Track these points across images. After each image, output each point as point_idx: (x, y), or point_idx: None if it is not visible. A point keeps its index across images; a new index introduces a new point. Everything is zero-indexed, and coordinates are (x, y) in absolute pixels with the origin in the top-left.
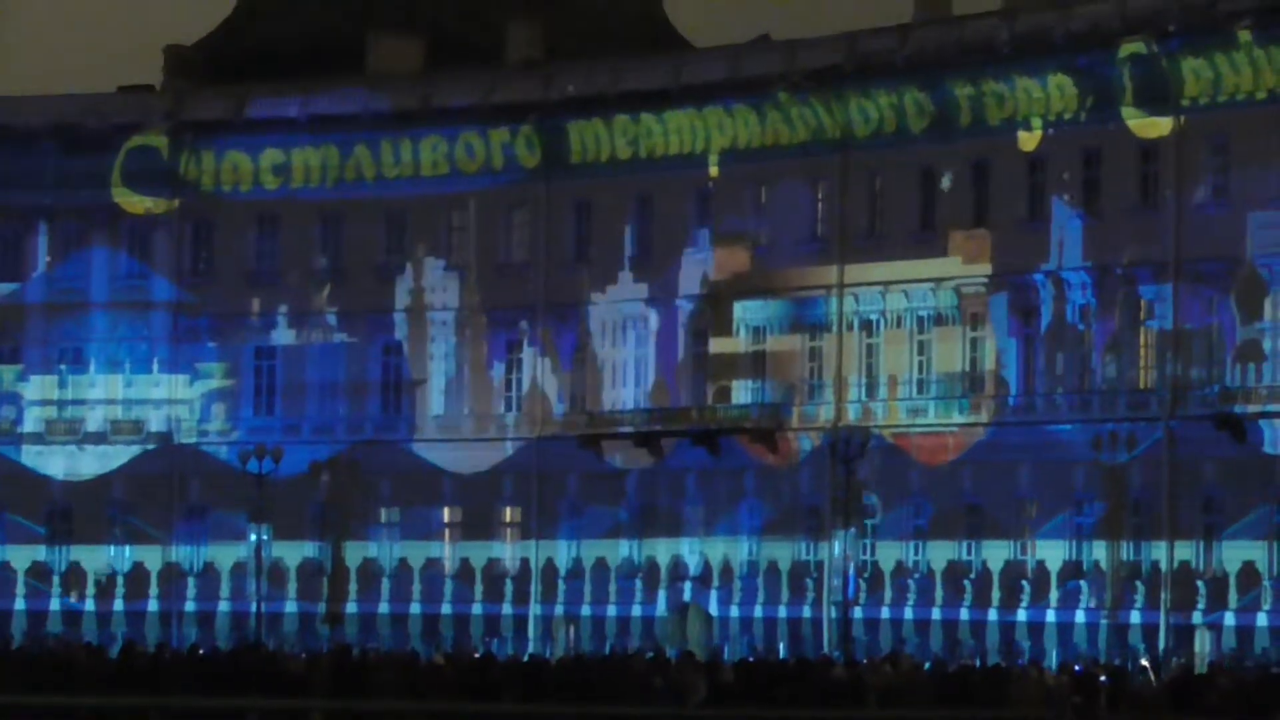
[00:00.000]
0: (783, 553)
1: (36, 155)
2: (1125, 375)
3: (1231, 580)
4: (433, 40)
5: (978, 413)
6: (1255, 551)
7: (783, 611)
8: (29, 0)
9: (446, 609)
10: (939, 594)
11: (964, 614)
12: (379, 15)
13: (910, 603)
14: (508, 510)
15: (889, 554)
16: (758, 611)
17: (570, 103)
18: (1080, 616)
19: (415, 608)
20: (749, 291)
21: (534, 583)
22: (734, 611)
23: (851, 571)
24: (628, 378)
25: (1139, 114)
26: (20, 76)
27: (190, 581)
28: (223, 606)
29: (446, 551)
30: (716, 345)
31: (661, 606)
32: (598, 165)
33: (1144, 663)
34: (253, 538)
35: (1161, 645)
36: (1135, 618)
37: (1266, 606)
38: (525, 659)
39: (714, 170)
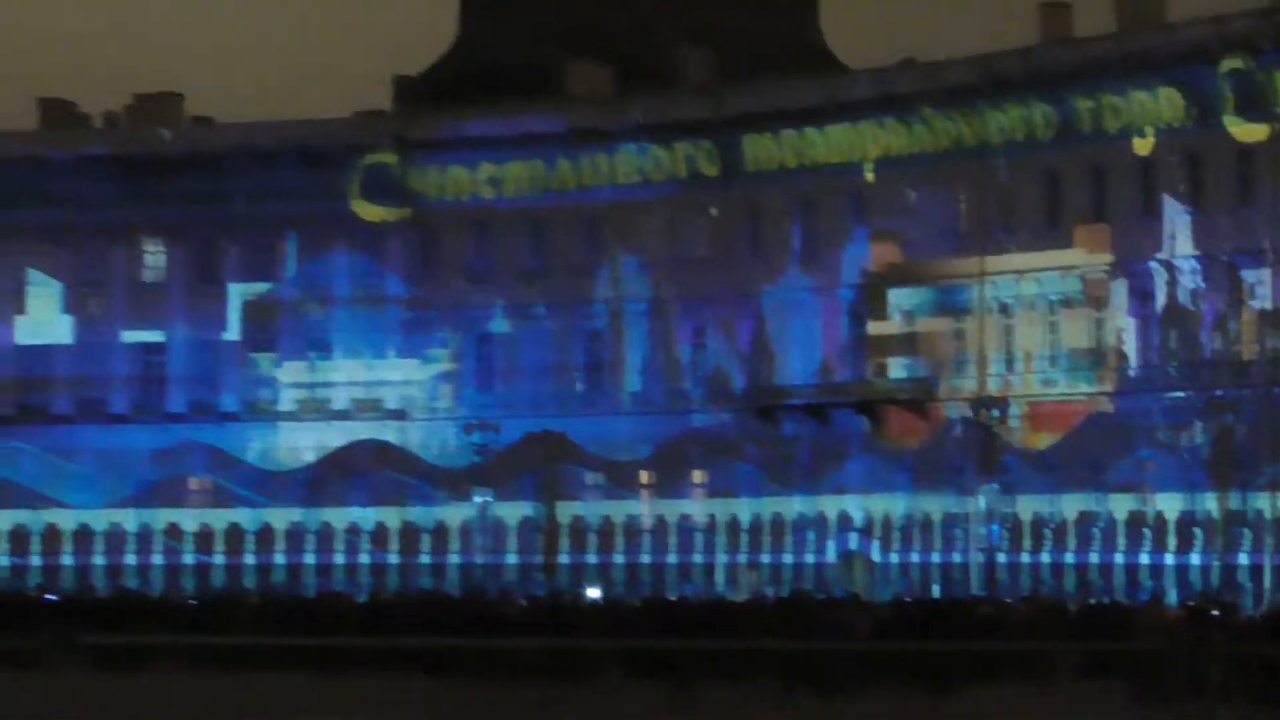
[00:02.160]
0: (934, 506)
1: (284, 173)
2: (1230, 349)
3: None
4: (621, 66)
5: (1102, 383)
6: None
7: (935, 558)
8: (271, 38)
9: (645, 559)
10: (1071, 541)
11: (1093, 558)
12: (575, 45)
13: (1046, 549)
14: (696, 473)
15: (1027, 506)
16: (913, 558)
17: (742, 119)
18: (1195, 559)
19: (619, 558)
20: (901, 280)
21: (720, 535)
22: (893, 558)
23: (995, 523)
24: (797, 357)
25: (1239, 121)
26: (269, 105)
27: (424, 538)
28: (452, 559)
29: (644, 509)
30: (874, 328)
31: (830, 554)
32: (768, 174)
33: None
34: (478, 499)
35: (1267, 583)
36: (1243, 560)
37: None
38: (714, 601)
39: (869, 176)
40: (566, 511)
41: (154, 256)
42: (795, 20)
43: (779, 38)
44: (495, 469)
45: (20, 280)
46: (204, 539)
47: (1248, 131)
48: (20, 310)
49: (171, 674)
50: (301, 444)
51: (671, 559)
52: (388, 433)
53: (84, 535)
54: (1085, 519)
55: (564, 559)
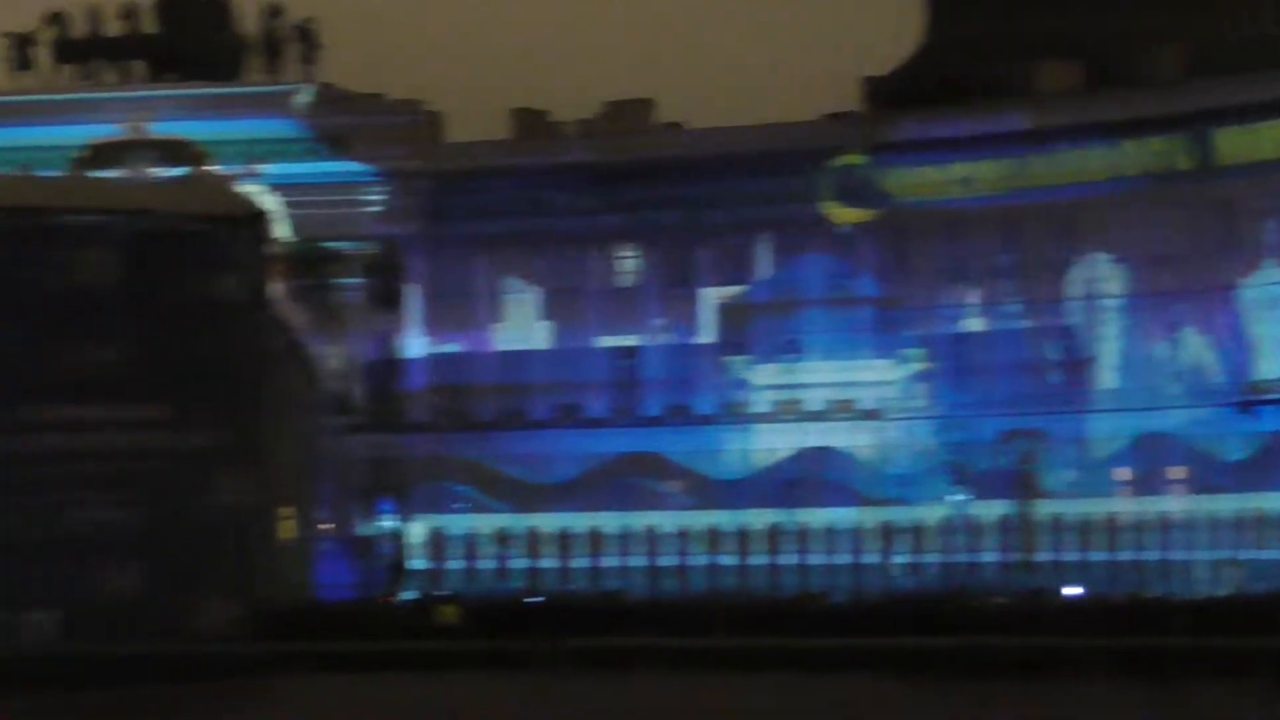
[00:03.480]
0: None
1: (755, 177)
2: None
3: None
4: (1089, 65)
5: None
6: None
7: None
8: (740, 42)
9: (1125, 555)
10: None
11: None
12: (1043, 45)
13: None
14: (1174, 469)
15: None
16: None
17: (1214, 113)
18: None
19: (1098, 555)
20: None
21: (1199, 531)
22: None
23: None
24: (1277, 351)
25: None
26: (738, 110)
27: (902, 537)
28: (930, 558)
29: (1123, 505)
30: None
31: None
32: (1241, 167)
33: None
34: (954, 498)
35: None
36: None
37: None
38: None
39: None
40: (1043, 509)
41: (627, 262)
42: (1262, 15)
43: (1247, 33)
44: (971, 468)
45: (498, 288)
46: (683, 541)
47: None
48: (499, 317)
49: (655, 676)
50: (777, 445)
51: (1151, 556)
52: (862, 433)
53: (566, 539)
54: None
55: (1042, 556)
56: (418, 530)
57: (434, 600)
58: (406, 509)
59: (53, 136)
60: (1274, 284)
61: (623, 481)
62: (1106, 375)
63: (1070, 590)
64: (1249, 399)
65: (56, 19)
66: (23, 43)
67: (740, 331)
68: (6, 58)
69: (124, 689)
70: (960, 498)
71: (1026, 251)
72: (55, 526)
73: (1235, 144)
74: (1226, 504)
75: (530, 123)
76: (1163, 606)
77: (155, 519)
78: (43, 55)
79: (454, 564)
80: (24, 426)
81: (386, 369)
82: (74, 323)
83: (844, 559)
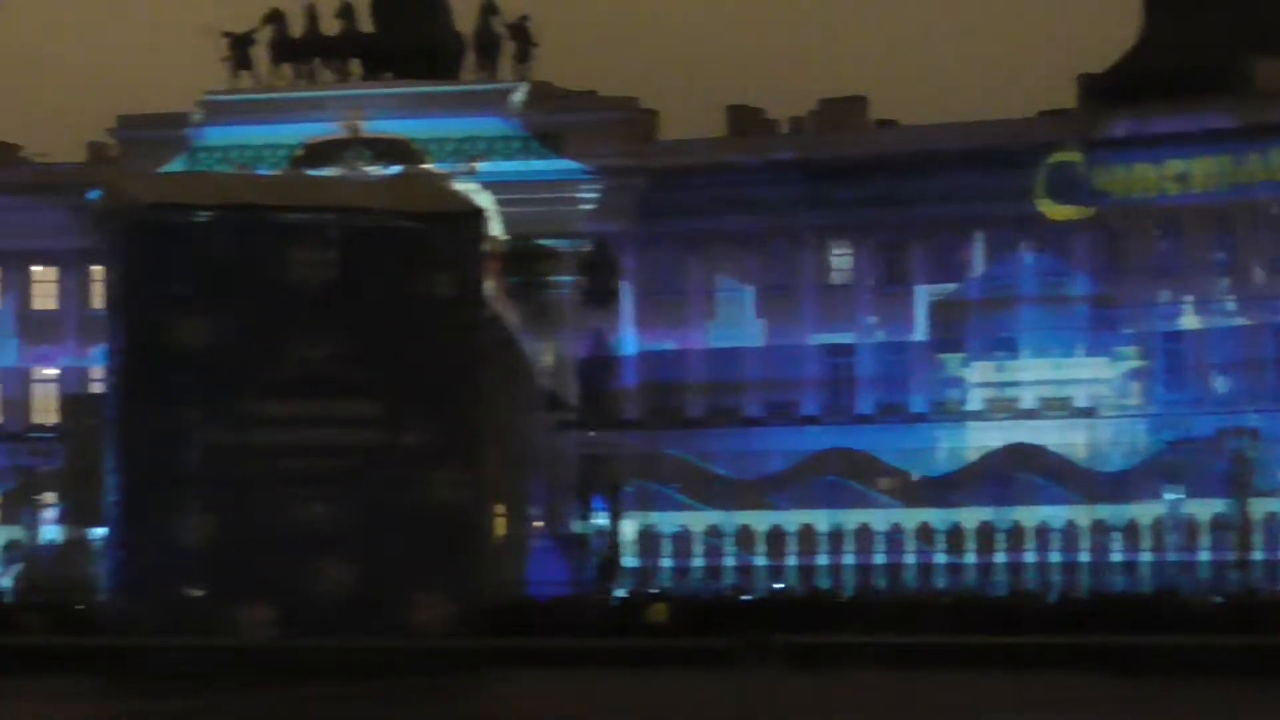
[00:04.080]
0: None
1: (969, 174)
2: None
3: None
4: None
5: None
6: None
7: None
8: (954, 39)
9: None
10: None
11: None
12: (1259, 40)
13: None
14: None
15: None
16: None
17: None
18: None
19: None
20: None
21: None
22: None
23: None
24: None
25: None
26: (952, 106)
27: (1115, 535)
28: (1144, 557)
29: None
30: None
31: None
32: None
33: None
34: (1169, 496)
35: None
36: None
37: None
38: None
39: None
40: (1260, 508)
41: (841, 259)
42: None
43: None
44: (1186, 466)
45: (712, 285)
46: (893, 539)
47: None
48: (712, 315)
49: (865, 673)
50: (990, 443)
51: None
52: (1076, 431)
53: (777, 536)
54: None
55: (1258, 555)
56: (629, 527)
57: (644, 597)
58: (618, 506)
59: (270, 135)
60: None
61: (835, 479)
62: None
63: None
64: None
65: (275, 18)
66: (241, 42)
67: (954, 329)
68: (226, 57)
69: (339, 683)
70: (1174, 496)
71: (1242, 248)
72: (273, 522)
73: None
74: None
75: (744, 120)
76: None
77: (370, 515)
78: (261, 54)
79: (665, 561)
80: (242, 422)
81: (599, 366)
82: (290, 320)
83: (1056, 557)
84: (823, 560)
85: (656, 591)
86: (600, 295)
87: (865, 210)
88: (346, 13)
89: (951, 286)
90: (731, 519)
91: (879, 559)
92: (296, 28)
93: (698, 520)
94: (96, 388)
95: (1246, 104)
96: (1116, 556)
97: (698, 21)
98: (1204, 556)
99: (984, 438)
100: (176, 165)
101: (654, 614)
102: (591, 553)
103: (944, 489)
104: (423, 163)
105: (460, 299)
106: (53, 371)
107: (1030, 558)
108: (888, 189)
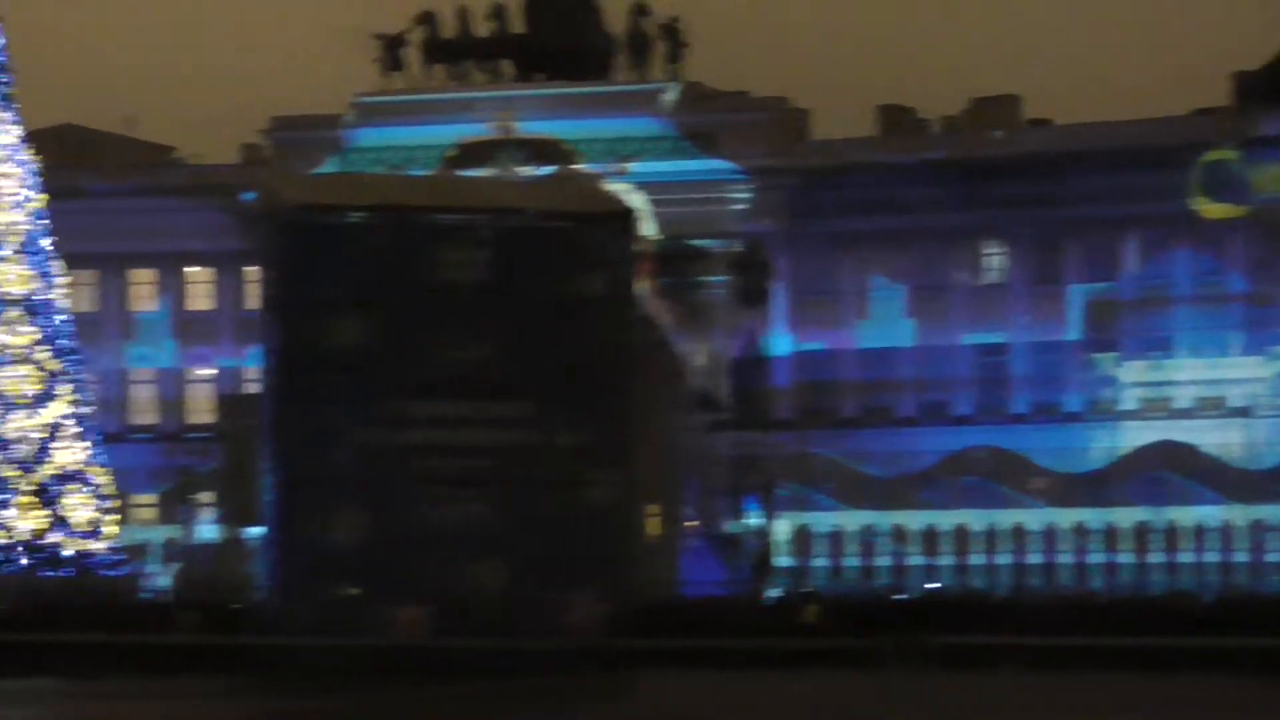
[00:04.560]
0: None
1: (1123, 173)
2: None
3: None
4: None
5: None
6: None
7: None
8: (1107, 37)
9: None
10: None
11: None
12: None
13: None
14: None
15: None
16: None
17: None
18: None
19: None
20: None
21: None
22: None
23: None
24: None
25: None
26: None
27: (1271, 535)
28: None
29: None
30: None
31: None
32: None
33: None
34: None
35: None
36: None
37: None
38: None
39: None
40: None
41: (993, 259)
42: None
43: None
44: None
45: (863, 285)
46: (1047, 538)
47: None
48: (863, 314)
49: (1019, 674)
50: (1143, 442)
51: None
52: (1231, 431)
53: (930, 536)
54: None
55: None
56: (782, 527)
57: (798, 597)
58: (771, 506)
59: (422, 136)
60: None
61: (987, 478)
62: None
63: None
64: None
65: (426, 20)
66: (393, 44)
67: (1107, 328)
68: (378, 59)
69: (491, 683)
70: None
71: None
72: (425, 522)
73: None
74: None
75: (896, 119)
76: None
77: (523, 516)
78: (413, 56)
79: (818, 561)
80: (394, 423)
81: (751, 366)
82: (442, 320)
83: (1212, 557)
84: (977, 560)
85: (807, 591)
86: (752, 295)
87: (1017, 210)
88: (498, 14)
89: (1105, 286)
90: (885, 518)
91: (1033, 559)
92: (448, 29)
93: (851, 520)
94: (251, 388)
95: None
96: (1273, 557)
97: (849, 21)
98: None
99: (1138, 437)
100: (329, 167)
101: (805, 614)
102: (744, 553)
103: (1096, 488)
104: (574, 163)
105: (612, 299)
106: (208, 372)
107: (1186, 558)
108: (1040, 188)
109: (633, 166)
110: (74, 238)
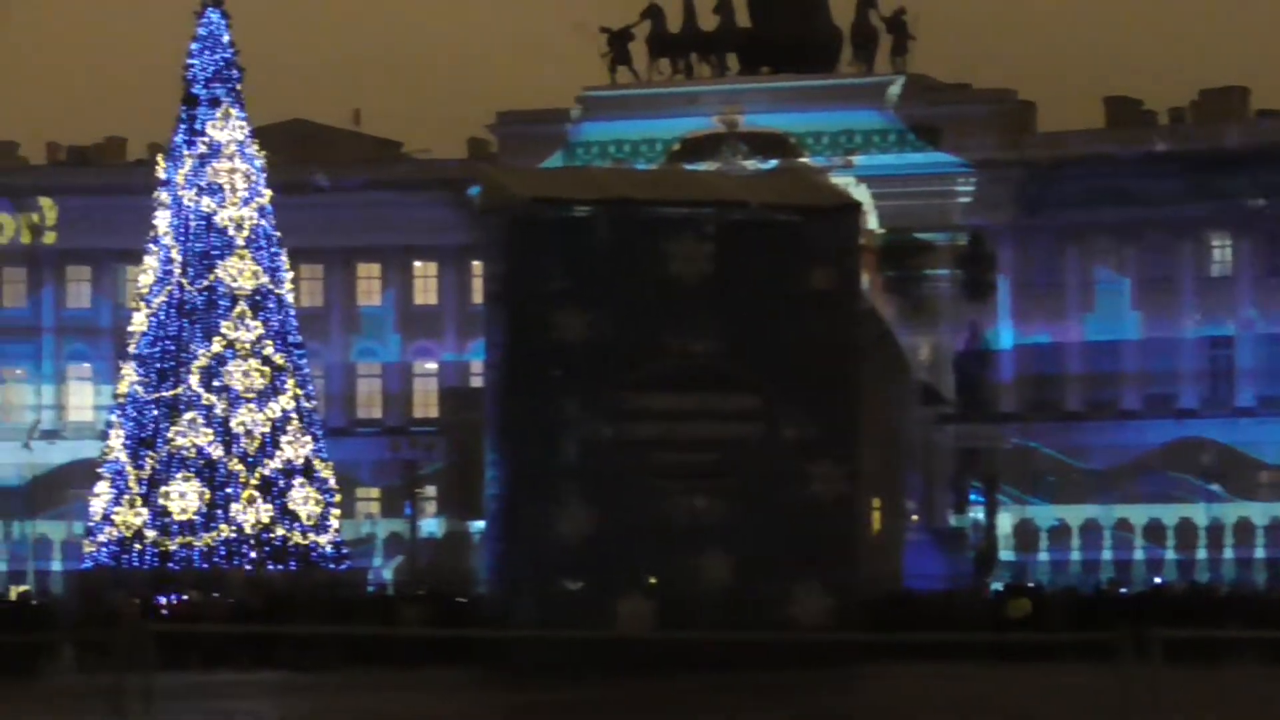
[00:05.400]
0: None
1: None
2: None
3: None
4: None
5: None
6: None
7: None
8: None
9: None
10: None
11: None
12: None
13: None
14: None
15: None
16: None
17: None
18: None
19: None
20: None
21: None
22: None
23: None
24: None
25: None
26: None
27: None
28: None
29: None
30: None
31: None
32: None
33: None
34: None
35: None
36: None
37: None
38: None
39: None
40: None
41: (1221, 251)
42: None
43: None
44: None
45: (1089, 278)
46: (1272, 532)
47: None
48: (1089, 307)
49: (1245, 668)
50: None
51: None
52: None
53: (1155, 529)
54: None
55: None
56: (1006, 520)
57: (1016, 591)
58: (995, 499)
59: (647, 130)
60: None
61: (1211, 472)
62: None
63: None
64: None
65: (652, 14)
66: (619, 38)
67: None
68: (603, 53)
69: (716, 676)
70: None
71: None
72: (651, 515)
73: None
74: None
75: (1123, 111)
76: None
77: (748, 509)
78: (638, 50)
79: (1042, 555)
80: (620, 416)
81: (975, 359)
82: (667, 314)
83: None
84: (1201, 554)
85: (1020, 585)
86: (977, 288)
87: (1246, 201)
88: (724, 7)
89: None
90: (1109, 512)
91: (1259, 553)
92: (674, 23)
93: (1075, 514)
94: (476, 382)
95: None
96: None
97: (1076, 12)
98: None
99: None
100: (554, 161)
101: (1016, 609)
102: (968, 546)
103: None
104: (799, 156)
105: (837, 293)
106: (433, 366)
107: None
108: (1269, 180)
109: (857, 160)
110: (301, 232)
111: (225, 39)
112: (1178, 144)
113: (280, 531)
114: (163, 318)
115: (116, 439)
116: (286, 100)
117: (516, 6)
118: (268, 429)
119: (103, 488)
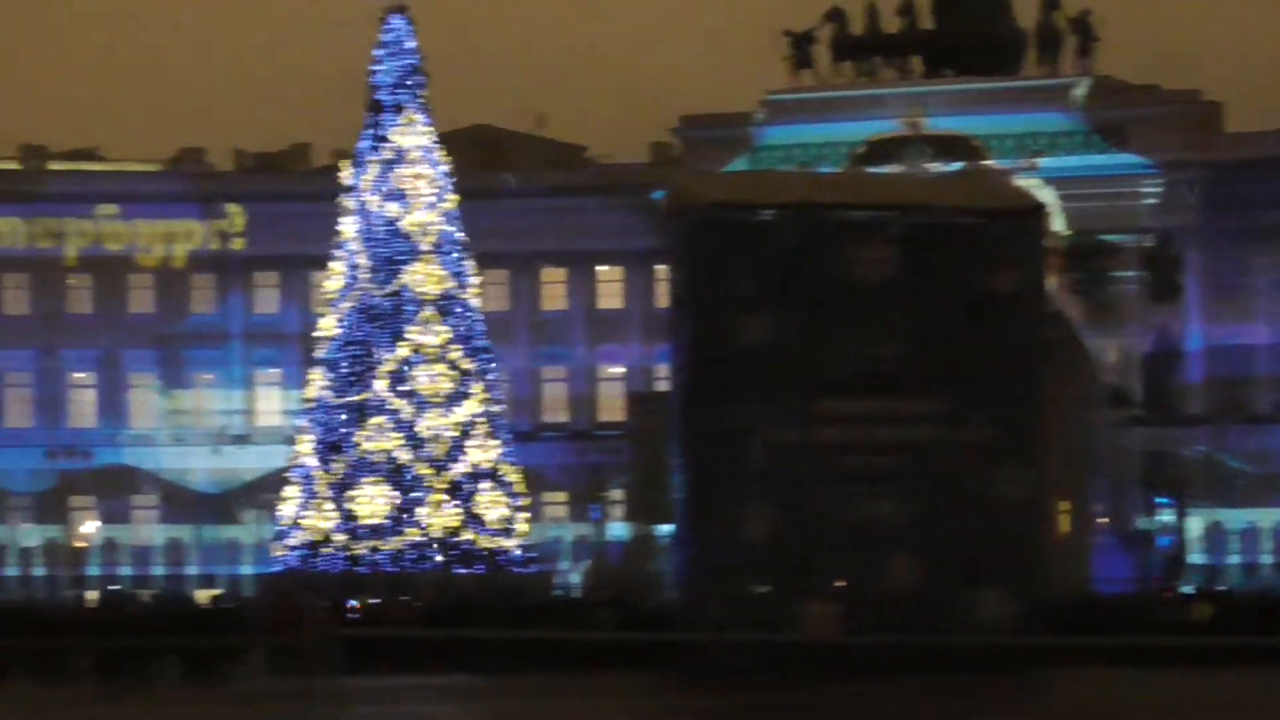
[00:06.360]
0: None
1: None
2: None
3: None
4: None
5: None
6: None
7: None
8: None
9: None
10: None
11: None
12: None
13: None
14: None
15: None
16: None
17: None
18: None
19: None
20: None
21: None
22: None
23: None
24: None
25: None
26: None
27: None
28: None
29: None
30: None
31: None
32: None
33: None
34: None
35: None
36: None
37: None
38: None
39: None
40: None
41: None
42: None
43: None
44: None
45: (1278, 279)
46: None
47: None
48: (1278, 309)
49: None
50: None
51: None
52: None
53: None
54: None
55: None
56: (1195, 524)
57: (1202, 595)
58: (1183, 502)
59: (831, 133)
60: None
61: None
62: None
63: None
64: None
65: (835, 16)
66: (802, 41)
67: None
68: (786, 56)
69: (903, 680)
70: None
71: None
72: (836, 519)
73: None
74: None
75: None
76: None
77: (932, 512)
78: (821, 53)
79: (1232, 558)
80: (805, 420)
81: (1163, 362)
82: (852, 317)
83: None
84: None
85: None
86: (1164, 290)
87: None
88: (907, 10)
89: None
90: (1238, 517)
91: None
92: (857, 25)
93: (1266, 516)
94: (661, 386)
95: None
96: None
97: (1263, 13)
98: None
99: None
100: (738, 164)
101: (1198, 612)
102: (1156, 550)
103: None
104: (983, 159)
105: (1022, 295)
106: (619, 370)
107: None
108: None
109: (1042, 162)
110: (486, 237)
111: (409, 45)
112: None
113: (467, 535)
114: (350, 323)
115: (305, 444)
116: (470, 106)
117: (700, 10)
118: (455, 433)
119: (292, 492)
